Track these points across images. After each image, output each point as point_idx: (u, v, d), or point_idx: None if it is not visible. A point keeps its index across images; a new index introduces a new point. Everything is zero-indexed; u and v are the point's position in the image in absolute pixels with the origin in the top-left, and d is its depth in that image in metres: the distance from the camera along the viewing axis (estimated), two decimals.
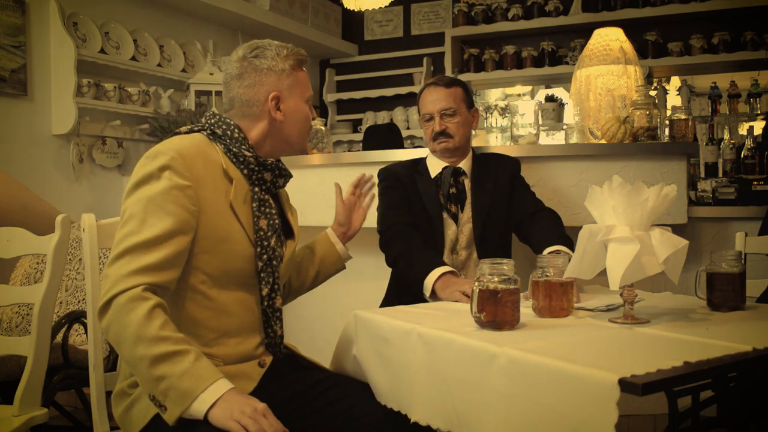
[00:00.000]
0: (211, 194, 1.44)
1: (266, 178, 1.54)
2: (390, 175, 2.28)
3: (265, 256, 1.49)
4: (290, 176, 1.62)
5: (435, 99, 2.21)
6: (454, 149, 2.22)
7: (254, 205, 1.50)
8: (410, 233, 2.12)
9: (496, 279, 1.38)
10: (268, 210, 1.53)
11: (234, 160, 1.50)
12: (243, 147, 1.50)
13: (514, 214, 2.23)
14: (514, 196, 2.25)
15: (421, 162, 2.31)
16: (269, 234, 1.51)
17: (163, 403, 1.26)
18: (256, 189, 1.52)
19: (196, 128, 1.54)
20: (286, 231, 1.64)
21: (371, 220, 2.42)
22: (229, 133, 1.51)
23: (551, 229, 2.07)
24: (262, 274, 1.50)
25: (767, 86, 4.64)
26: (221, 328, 1.46)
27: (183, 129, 1.55)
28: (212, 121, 1.54)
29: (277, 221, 1.55)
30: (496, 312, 1.37)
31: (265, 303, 1.51)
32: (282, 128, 1.55)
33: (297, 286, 1.80)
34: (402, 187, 2.23)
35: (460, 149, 2.24)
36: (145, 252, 1.33)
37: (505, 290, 1.38)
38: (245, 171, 1.51)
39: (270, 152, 1.58)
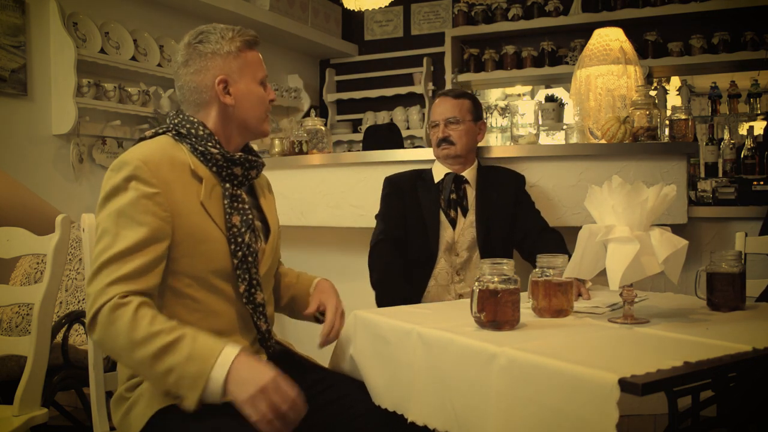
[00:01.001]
0: (181, 197, 1.42)
1: (236, 172, 1.51)
2: (390, 183, 2.40)
3: (239, 253, 1.47)
4: (262, 165, 1.58)
5: (443, 108, 2.35)
6: (455, 156, 2.33)
7: (225, 202, 1.47)
8: (390, 253, 2.24)
9: (496, 279, 1.38)
10: (240, 205, 1.50)
11: (201, 158, 1.47)
12: (209, 144, 1.48)
13: (519, 230, 2.31)
14: (520, 211, 2.33)
15: (427, 170, 2.42)
16: (243, 230, 1.48)
17: (178, 393, 1.26)
18: (227, 185, 1.49)
19: (161, 130, 1.52)
20: (266, 223, 1.61)
21: (368, 219, 2.43)
22: (193, 131, 1.49)
23: (557, 250, 2.11)
24: (238, 271, 1.47)
25: (767, 86, 4.63)
26: (212, 328, 1.43)
27: (148, 133, 1.53)
28: (176, 121, 1.52)
29: (250, 216, 1.51)
30: (496, 312, 1.37)
31: (244, 299, 1.49)
32: (235, 113, 1.51)
33: (287, 299, 1.74)
34: (399, 196, 2.35)
35: (463, 157, 2.34)
36: (120, 264, 1.33)
37: (505, 290, 1.37)
38: (214, 168, 1.48)
39: (236, 142, 1.54)
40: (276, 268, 1.68)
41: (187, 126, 1.49)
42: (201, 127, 1.49)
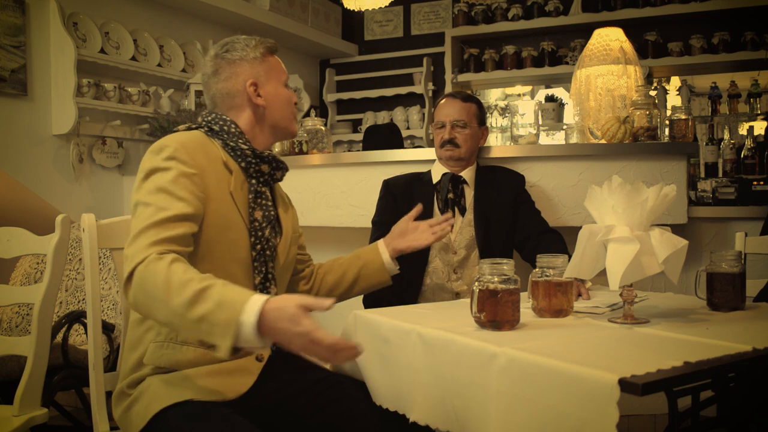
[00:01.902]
0: (214, 183, 1.48)
1: (264, 170, 1.58)
2: (385, 187, 2.41)
3: (258, 246, 1.52)
4: (287, 169, 1.65)
5: (450, 110, 2.35)
6: (458, 158, 2.33)
7: (250, 196, 1.54)
8: None
9: (496, 279, 1.39)
10: (264, 202, 1.57)
11: (232, 153, 1.55)
12: (240, 141, 1.55)
13: (519, 231, 2.31)
14: (520, 211, 2.34)
15: (426, 172, 2.42)
16: (264, 225, 1.54)
17: (212, 342, 1.23)
18: (253, 181, 1.56)
19: (193, 126, 1.59)
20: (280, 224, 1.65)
21: (368, 219, 2.43)
22: (225, 128, 1.56)
23: (558, 251, 2.12)
24: (255, 263, 1.52)
25: (767, 86, 4.63)
26: None
27: (181, 127, 1.59)
28: (209, 118, 1.59)
29: (272, 213, 1.58)
30: (496, 312, 1.37)
31: (258, 292, 1.50)
32: (266, 113, 1.61)
33: (332, 283, 1.81)
34: (391, 200, 2.36)
35: (465, 160, 2.35)
36: (161, 229, 1.34)
37: (505, 290, 1.38)
38: (243, 164, 1.55)
39: (264, 142, 1.62)
40: (291, 270, 1.72)
41: (220, 123, 1.57)
42: (233, 125, 1.57)
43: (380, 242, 1.86)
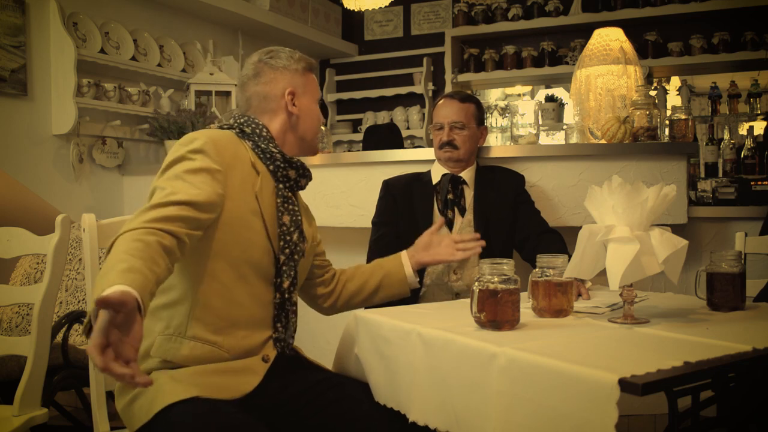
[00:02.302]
0: (238, 182, 1.49)
1: (291, 175, 1.60)
2: (384, 188, 2.41)
3: (287, 250, 1.55)
4: (311, 178, 1.67)
5: (448, 111, 2.33)
6: (457, 159, 2.32)
7: (278, 200, 1.56)
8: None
9: (496, 279, 1.39)
10: (291, 207, 1.59)
11: (261, 156, 1.57)
12: (270, 144, 1.58)
13: (519, 231, 2.31)
14: (520, 211, 2.33)
15: (426, 172, 2.42)
16: (292, 229, 1.56)
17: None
18: (280, 185, 1.58)
19: (225, 126, 1.61)
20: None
21: (368, 219, 2.43)
22: (258, 131, 1.59)
23: (558, 251, 2.12)
24: (284, 268, 1.54)
25: (767, 86, 4.63)
26: (231, 317, 1.48)
27: (213, 126, 1.60)
28: (241, 120, 1.62)
29: (299, 218, 1.60)
30: (496, 312, 1.37)
31: (286, 295, 1.55)
32: (298, 123, 1.65)
33: (353, 290, 1.84)
34: (391, 200, 2.36)
35: (464, 161, 2.34)
36: (164, 209, 1.33)
37: (505, 290, 1.37)
38: (271, 167, 1.57)
39: (290, 151, 1.64)
40: (305, 276, 1.74)
41: (252, 126, 1.60)
42: (265, 129, 1.60)
43: (403, 254, 1.89)
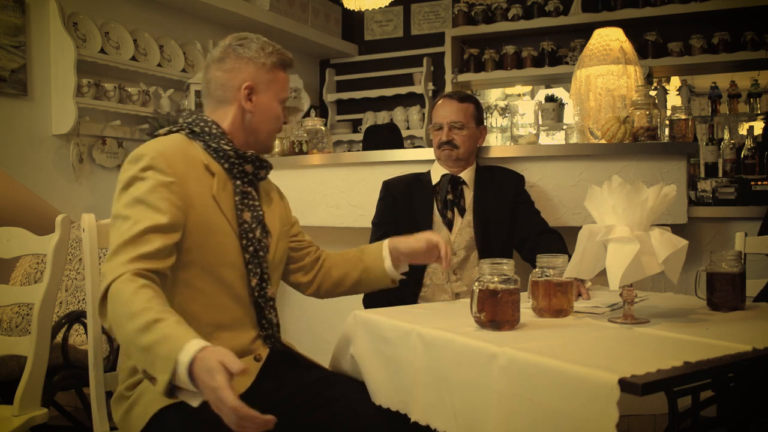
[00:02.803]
0: (195, 189, 1.46)
1: (248, 170, 1.56)
2: (384, 188, 2.41)
3: (251, 248, 1.52)
4: (271, 167, 1.63)
5: (447, 111, 2.33)
6: (456, 159, 2.32)
7: (237, 198, 1.53)
8: None
9: (496, 279, 1.38)
10: (251, 202, 1.55)
11: (214, 155, 1.53)
12: (222, 141, 1.53)
13: (519, 231, 2.31)
14: (519, 211, 2.33)
15: (425, 173, 2.41)
16: (254, 226, 1.53)
17: (152, 374, 1.21)
18: (238, 182, 1.54)
19: (174, 129, 1.57)
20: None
21: (368, 219, 2.43)
22: (207, 129, 1.55)
23: (558, 251, 2.12)
24: (249, 266, 1.52)
25: (767, 86, 4.63)
26: (214, 321, 1.47)
27: (162, 131, 1.58)
28: (189, 120, 1.58)
29: (260, 213, 1.57)
30: (496, 312, 1.37)
31: (256, 293, 1.53)
32: (252, 120, 1.58)
33: (336, 279, 1.77)
34: (390, 201, 2.36)
35: (463, 160, 2.34)
36: (138, 244, 1.34)
37: (505, 290, 1.37)
38: (226, 165, 1.53)
39: (242, 146, 1.59)
40: (282, 265, 1.70)
41: (201, 125, 1.55)
42: (214, 126, 1.55)
43: (385, 245, 1.77)
